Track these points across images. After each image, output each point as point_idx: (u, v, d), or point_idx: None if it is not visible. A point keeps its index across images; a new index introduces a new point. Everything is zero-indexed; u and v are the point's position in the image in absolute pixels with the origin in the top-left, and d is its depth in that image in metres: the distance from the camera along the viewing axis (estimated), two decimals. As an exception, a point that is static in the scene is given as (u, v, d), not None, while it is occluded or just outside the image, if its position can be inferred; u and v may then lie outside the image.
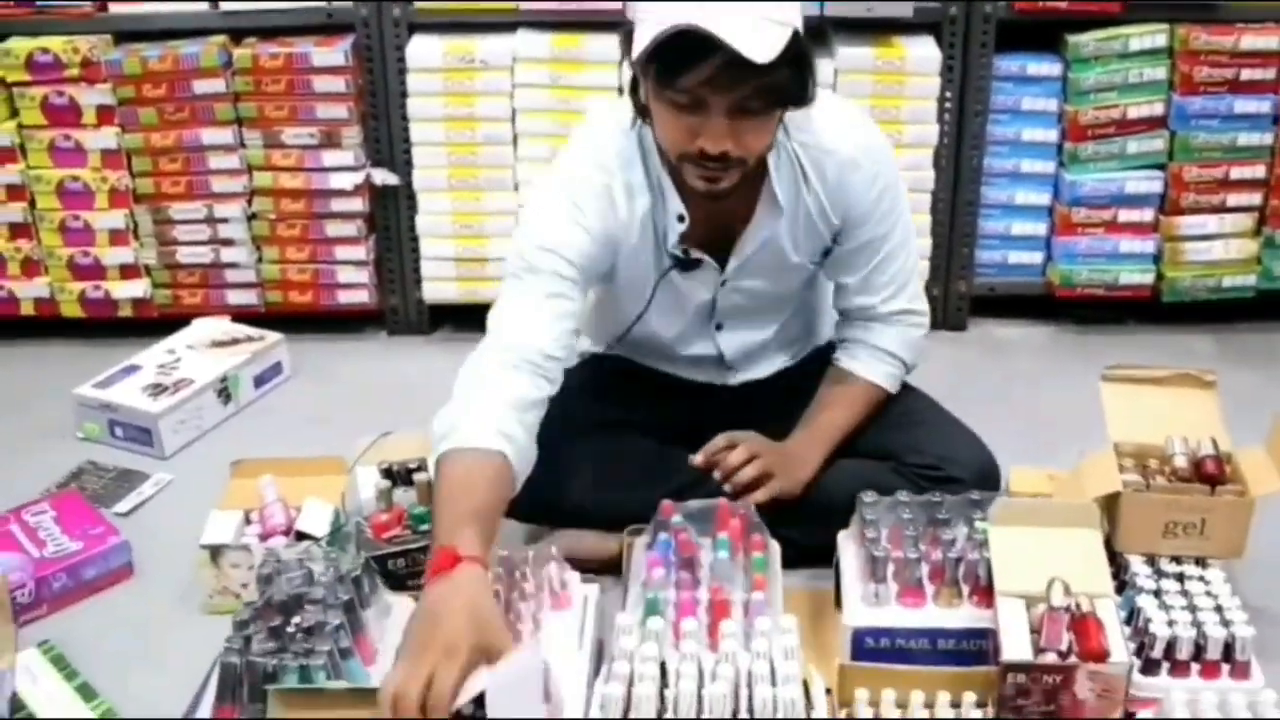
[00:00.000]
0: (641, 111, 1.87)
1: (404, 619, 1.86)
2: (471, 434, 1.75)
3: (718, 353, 2.20)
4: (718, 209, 1.93)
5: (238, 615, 1.78)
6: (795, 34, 1.72)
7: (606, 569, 2.07)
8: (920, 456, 2.11)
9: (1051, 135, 2.94)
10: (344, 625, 1.75)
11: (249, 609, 1.79)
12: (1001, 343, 3.08)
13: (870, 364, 2.15)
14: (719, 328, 2.16)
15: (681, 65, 1.71)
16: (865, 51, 2.83)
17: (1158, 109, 2.87)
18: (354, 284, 3.03)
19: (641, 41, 1.73)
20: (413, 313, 3.11)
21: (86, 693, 1.91)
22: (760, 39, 1.67)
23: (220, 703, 1.71)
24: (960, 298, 3.08)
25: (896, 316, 2.14)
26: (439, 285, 3.03)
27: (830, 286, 2.20)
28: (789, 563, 2.00)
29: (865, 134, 2.02)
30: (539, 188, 2.05)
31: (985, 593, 1.83)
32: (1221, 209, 2.94)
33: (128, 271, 3.00)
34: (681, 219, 1.95)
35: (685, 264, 2.01)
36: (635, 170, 1.94)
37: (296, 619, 1.76)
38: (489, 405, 1.79)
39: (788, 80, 1.75)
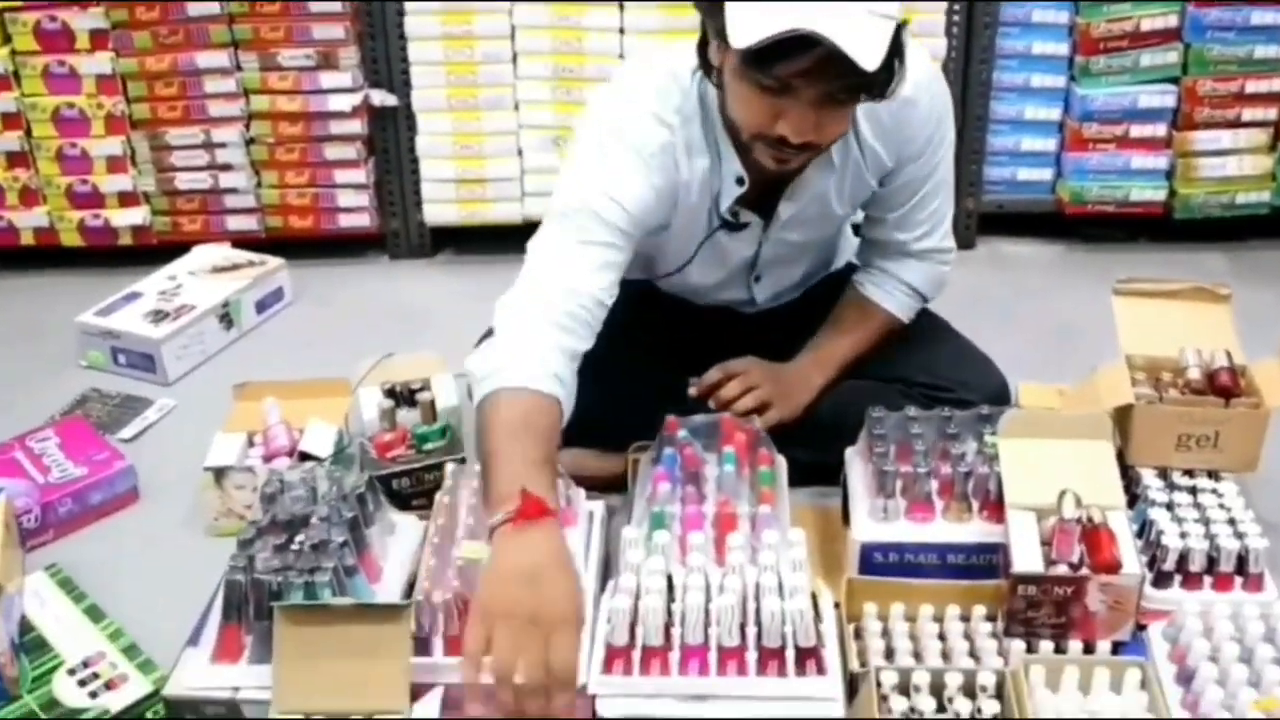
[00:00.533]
0: (707, 70, 1.77)
1: (409, 538, 1.88)
2: (526, 375, 1.69)
3: (749, 295, 2.16)
4: (773, 172, 1.84)
5: (242, 534, 1.77)
6: (896, 28, 1.62)
7: (612, 488, 2.06)
8: (931, 378, 2.09)
9: (1062, 48, 2.89)
10: (348, 542, 1.74)
11: (253, 528, 1.78)
12: (1010, 260, 3.05)
13: (891, 295, 2.12)
14: (757, 279, 2.13)
15: (779, 54, 1.59)
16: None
17: (1172, 21, 2.82)
18: (354, 208, 3.01)
19: (740, 25, 1.60)
20: (414, 236, 3.08)
21: (95, 614, 1.90)
22: (867, 38, 1.56)
23: (226, 621, 1.69)
24: (968, 215, 3.04)
25: (927, 253, 2.11)
26: (440, 207, 3.00)
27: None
28: (796, 480, 1.99)
29: (921, 67, 1.88)
30: (598, 130, 1.86)
31: (995, 507, 1.82)
32: (1236, 124, 2.90)
33: (126, 199, 2.97)
34: (740, 182, 1.88)
35: (733, 226, 1.96)
36: (694, 127, 1.85)
37: (301, 536, 1.74)
38: (541, 348, 1.72)
39: (882, 75, 1.64)
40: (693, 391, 2.07)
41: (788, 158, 1.75)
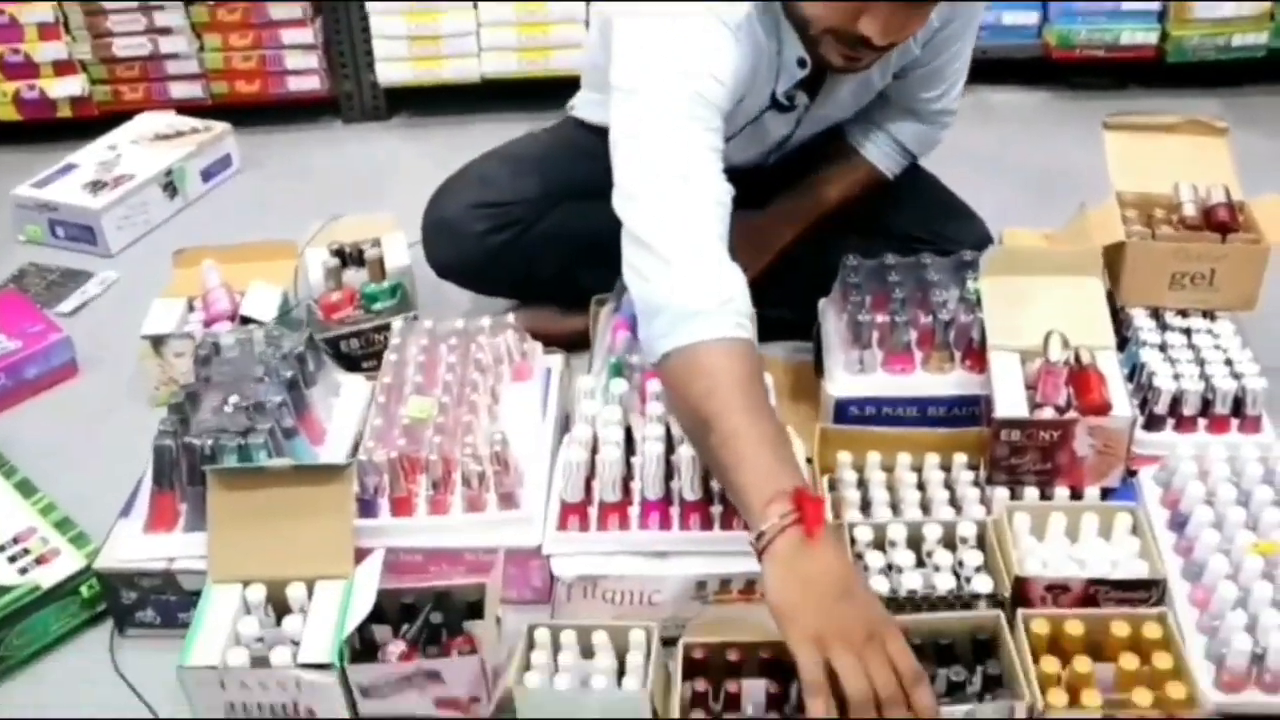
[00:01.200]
0: None
1: (355, 398, 1.78)
2: (732, 321, 1.38)
3: (761, 165, 1.99)
4: (838, 67, 1.66)
5: (172, 398, 1.66)
6: None
7: (574, 344, 1.96)
8: (912, 231, 1.99)
9: (1050, -121, 2.74)
10: (286, 403, 1.64)
11: (184, 392, 1.67)
12: (995, 108, 2.94)
13: (882, 151, 2.00)
14: (781, 158, 1.97)
15: None
16: None
17: None
18: (303, 70, 2.88)
19: None
20: (367, 98, 2.95)
21: (26, 489, 1.80)
22: None
23: (158, 488, 1.60)
24: (951, 62, 2.88)
25: (934, 115, 1.98)
26: (393, 66, 2.87)
27: None
28: (766, 334, 1.86)
29: None
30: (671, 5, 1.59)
31: (978, 357, 1.73)
32: (1234, -40, 2.77)
33: (62, 68, 2.83)
34: (802, 64, 1.68)
35: (784, 107, 1.79)
36: (759, 8, 1.62)
37: (234, 397, 1.64)
38: (729, 280, 1.42)
39: None
40: None
41: (860, 56, 1.57)
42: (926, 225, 2.00)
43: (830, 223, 2.00)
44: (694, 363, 1.36)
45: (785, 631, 1.22)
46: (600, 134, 1.92)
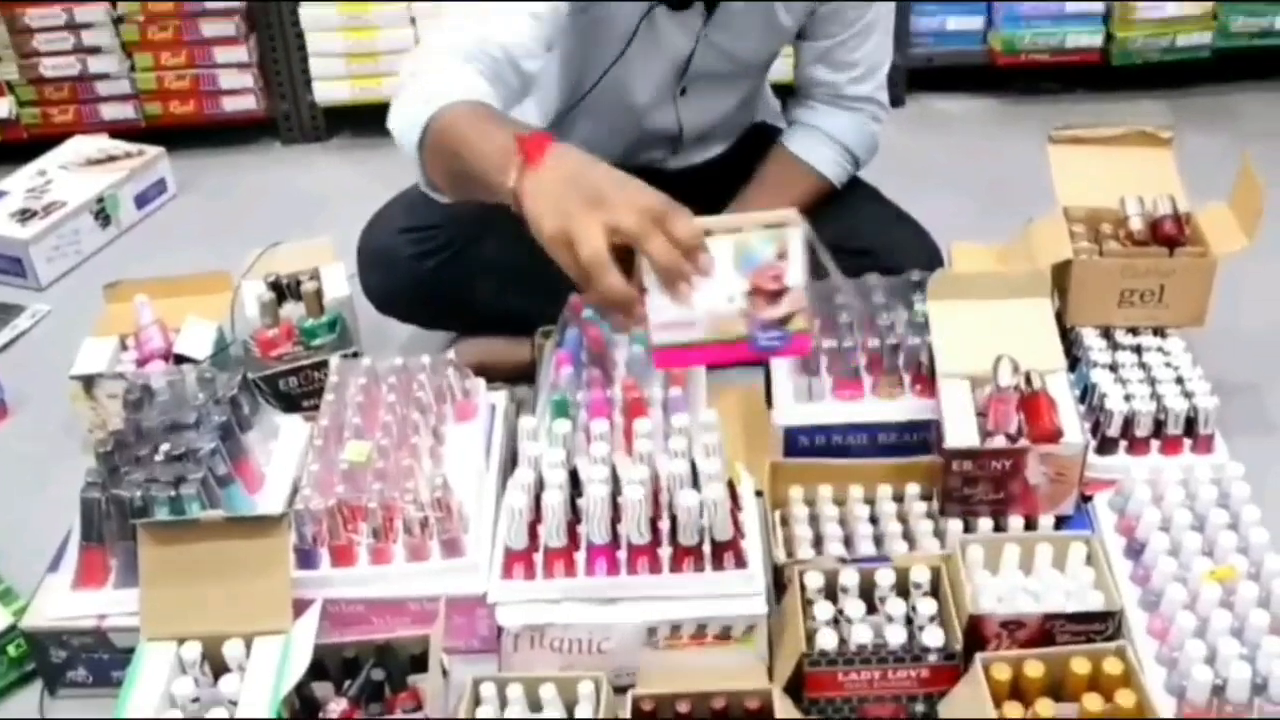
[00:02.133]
0: None
1: (294, 441, 1.73)
2: (462, 90, 1.49)
3: (676, 125, 1.99)
4: None
5: (101, 446, 1.60)
6: None
7: (520, 377, 1.92)
8: (858, 243, 1.93)
9: (992, -121, 2.74)
10: (219, 450, 1.58)
11: (113, 439, 1.61)
12: (942, 117, 2.93)
13: (819, 150, 1.99)
14: (683, 92, 1.95)
15: None
16: None
17: None
18: (238, 89, 2.83)
19: None
20: (305, 118, 2.90)
21: (-51, 542, 1.74)
22: None
23: (87, 543, 1.54)
24: (895, 70, 2.84)
25: (859, 103, 1.98)
26: (330, 85, 2.82)
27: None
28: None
29: None
30: None
31: (928, 381, 1.71)
32: (1176, -41, 2.77)
33: (-12, 89, 2.76)
34: None
35: (673, 2, 1.79)
36: None
37: (166, 445, 1.58)
38: (466, 76, 1.54)
39: None
40: None
41: None
42: (872, 238, 1.96)
43: None
44: (434, 126, 1.44)
45: (548, 251, 1.28)
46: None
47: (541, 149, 1.32)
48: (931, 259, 1.97)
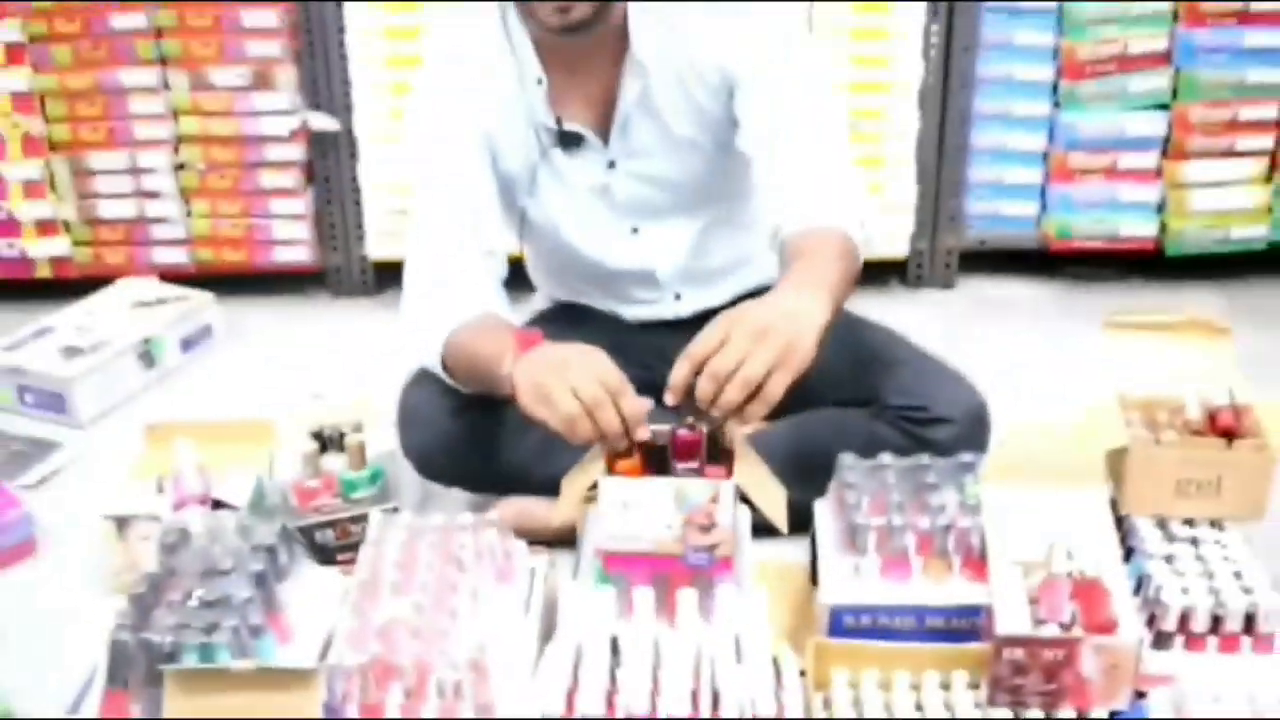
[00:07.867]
0: None
1: (328, 595, 1.70)
2: (466, 309, 1.81)
3: (646, 265, 2.00)
4: (577, 67, 1.82)
5: (133, 589, 1.58)
6: None
7: (561, 541, 1.88)
8: (905, 398, 1.93)
9: (1047, 73, 2.79)
10: (254, 599, 1.55)
11: (146, 581, 1.59)
12: (993, 301, 2.93)
13: (818, 216, 1.74)
14: (634, 230, 1.97)
15: None
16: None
17: (1161, 43, 2.73)
18: (292, 240, 2.87)
19: None
20: (356, 271, 2.94)
21: (-29, 682, 1.70)
22: None
23: (112, 686, 1.51)
24: (948, 252, 2.94)
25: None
26: (384, 240, 2.86)
27: None
28: (762, 529, 1.80)
29: None
30: (417, 89, 2.01)
31: (978, 564, 1.66)
32: (1230, 153, 2.81)
33: (45, 227, 2.83)
34: (540, 82, 1.84)
35: (565, 139, 1.88)
36: (495, 42, 1.87)
37: (200, 591, 1.56)
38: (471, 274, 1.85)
39: None
40: (670, 399, 1.59)
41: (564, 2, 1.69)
42: (918, 390, 1.93)
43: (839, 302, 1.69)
44: (450, 349, 1.81)
45: (529, 412, 1.60)
46: (576, 309, 1.95)
47: (531, 343, 1.63)
48: (978, 412, 1.93)
